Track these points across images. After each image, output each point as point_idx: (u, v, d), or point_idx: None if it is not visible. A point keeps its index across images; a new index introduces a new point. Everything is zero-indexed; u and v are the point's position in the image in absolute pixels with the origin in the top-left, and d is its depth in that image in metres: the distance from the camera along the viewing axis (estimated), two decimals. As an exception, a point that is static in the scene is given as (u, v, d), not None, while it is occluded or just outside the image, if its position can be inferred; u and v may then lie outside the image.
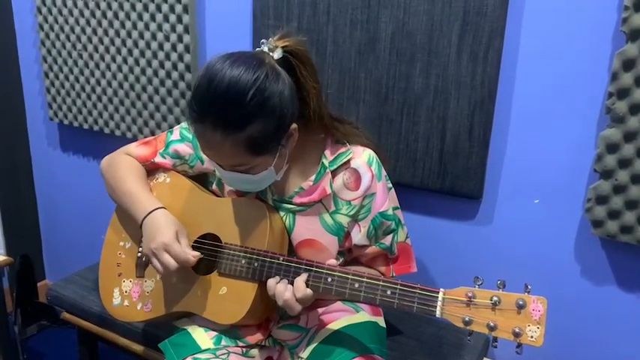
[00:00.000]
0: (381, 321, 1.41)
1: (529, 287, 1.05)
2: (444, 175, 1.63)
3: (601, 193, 1.42)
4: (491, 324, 1.05)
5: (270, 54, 1.15)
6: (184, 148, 1.40)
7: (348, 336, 1.29)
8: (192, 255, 1.25)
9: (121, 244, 1.46)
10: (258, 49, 1.18)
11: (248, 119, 1.08)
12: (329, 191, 1.29)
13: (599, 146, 1.40)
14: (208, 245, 1.32)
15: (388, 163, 1.40)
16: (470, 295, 1.07)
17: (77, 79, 2.25)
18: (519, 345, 1.04)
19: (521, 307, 1.03)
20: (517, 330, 1.03)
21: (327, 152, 1.30)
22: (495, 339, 1.06)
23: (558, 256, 1.56)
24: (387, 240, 1.35)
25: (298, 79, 1.18)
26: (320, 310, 1.37)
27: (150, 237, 1.27)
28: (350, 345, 1.26)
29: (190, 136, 1.39)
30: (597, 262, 1.52)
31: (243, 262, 1.25)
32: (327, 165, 1.29)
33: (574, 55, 1.43)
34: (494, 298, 1.05)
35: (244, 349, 1.32)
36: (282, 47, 1.16)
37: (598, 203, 1.43)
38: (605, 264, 1.51)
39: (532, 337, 1.03)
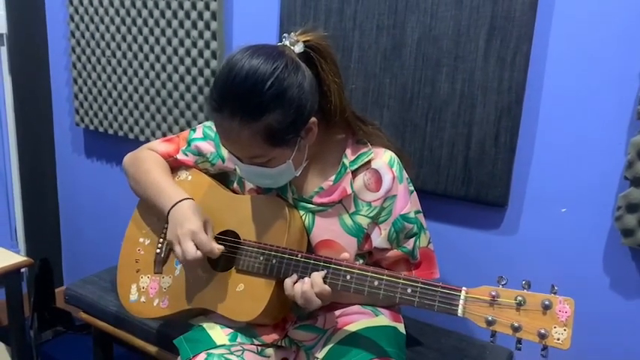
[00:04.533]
0: (401, 327, 1.38)
1: (555, 288, 1.01)
2: (468, 182, 1.60)
3: (632, 201, 1.37)
4: (516, 324, 1.01)
5: (292, 47, 1.15)
6: (206, 146, 1.40)
7: (365, 338, 1.26)
8: (217, 247, 1.24)
9: (141, 240, 1.45)
10: (279, 42, 1.18)
11: (265, 108, 1.08)
12: (349, 191, 1.27)
13: (629, 152, 1.36)
14: (228, 242, 1.30)
15: (412, 167, 1.38)
16: (493, 294, 1.03)
17: (105, 85, 2.28)
18: (545, 347, 1.00)
19: (547, 308, 1.00)
20: (543, 331, 0.99)
21: (348, 152, 1.28)
22: (520, 340, 1.02)
23: (586, 267, 1.51)
24: (409, 244, 1.32)
25: (319, 74, 1.17)
26: (338, 312, 1.34)
27: (177, 224, 1.25)
28: (367, 346, 1.22)
29: (213, 134, 1.39)
30: (627, 274, 1.46)
31: (261, 258, 1.24)
32: (347, 165, 1.27)
33: (603, 59, 1.40)
34: (519, 298, 1.01)
35: (260, 348, 1.29)
36: (304, 41, 1.16)
37: (628, 212, 1.39)
38: (636, 275, 1.45)
39: (559, 339, 0.99)
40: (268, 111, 1.08)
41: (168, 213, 1.29)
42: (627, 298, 1.48)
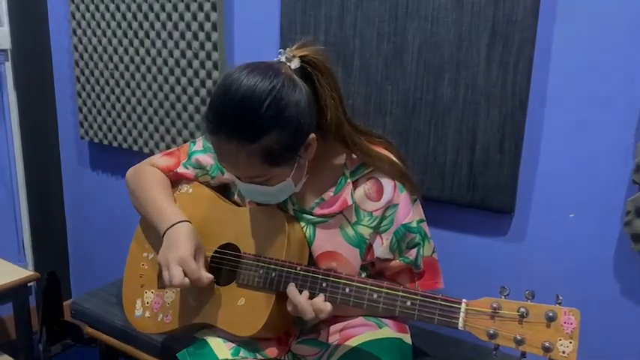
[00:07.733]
0: (406, 337, 1.35)
1: (560, 298, 0.98)
2: (473, 189, 1.57)
3: (641, 206, 1.34)
4: (519, 337, 0.98)
5: (288, 64, 1.13)
6: (206, 159, 1.39)
7: (368, 353, 1.23)
8: (206, 276, 1.23)
9: (144, 255, 1.45)
10: (275, 59, 1.16)
11: (263, 130, 1.06)
12: (350, 202, 1.25)
13: (637, 156, 1.33)
14: (228, 255, 1.29)
15: (416, 185, 1.31)
16: (495, 306, 1.01)
17: (108, 98, 2.28)
18: (551, 361, 0.98)
19: (551, 320, 0.97)
20: (547, 344, 0.96)
21: (349, 162, 1.27)
22: (524, 354, 0.99)
23: (596, 274, 1.48)
24: (412, 254, 1.30)
25: (316, 89, 1.15)
26: (341, 325, 1.32)
27: (168, 247, 1.25)
28: (370, 361, 1.20)
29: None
30: (639, 280, 1.43)
31: (260, 272, 1.22)
32: (347, 175, 1.26)
33: (609, 62, 1.38)
34: (522, 310, 0.98)
35: (262, 363, 1.28)
36: (300, 57, 1.14)
37: (638, 216, 1.35)
38: (647, 282, 1.43)
39: (564, 352, 0.96)
40: (266, 132, 1.06)
41: (163, 234, 1.29)
42: (638, 305, 1.44)
